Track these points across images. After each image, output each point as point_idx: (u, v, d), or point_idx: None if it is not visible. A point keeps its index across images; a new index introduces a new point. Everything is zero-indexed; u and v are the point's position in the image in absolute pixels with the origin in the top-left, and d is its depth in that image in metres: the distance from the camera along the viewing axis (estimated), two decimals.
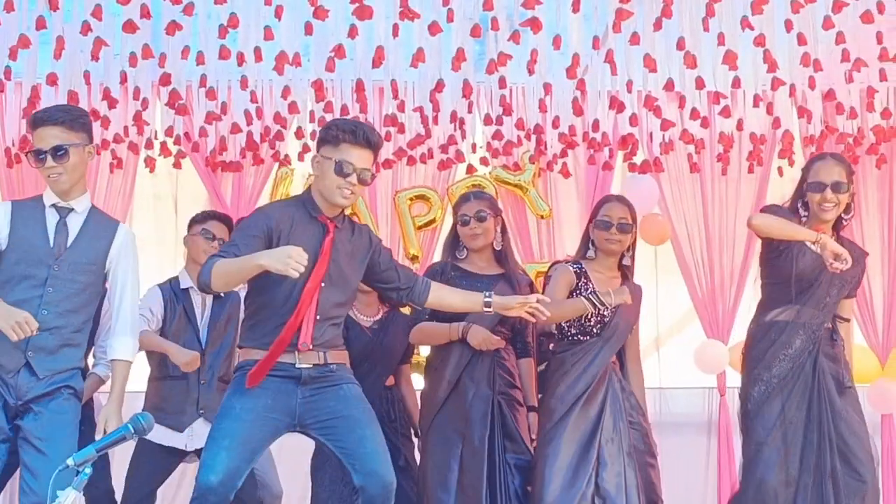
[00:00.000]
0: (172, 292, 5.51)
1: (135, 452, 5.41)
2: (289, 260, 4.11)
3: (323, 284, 4.42)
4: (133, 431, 3.82)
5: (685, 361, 7.23)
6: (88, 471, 3.64)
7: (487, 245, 5.37)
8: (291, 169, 7.13)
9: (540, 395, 5.38)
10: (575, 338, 5.22)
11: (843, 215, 5.07)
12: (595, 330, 5.20)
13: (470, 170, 7.14)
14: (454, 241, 5.42)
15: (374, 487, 4.40)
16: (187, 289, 5.51)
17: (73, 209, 4.48)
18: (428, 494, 5.16)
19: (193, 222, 5.64)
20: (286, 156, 7.04)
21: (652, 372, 6.58)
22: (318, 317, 4.42)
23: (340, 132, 4.47)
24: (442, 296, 4.73)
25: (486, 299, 4.64)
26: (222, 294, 5.45)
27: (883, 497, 5.86)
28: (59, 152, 4.41)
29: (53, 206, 4.46)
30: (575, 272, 5.25)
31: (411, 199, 7.15)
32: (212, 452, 4.35)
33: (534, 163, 7.11)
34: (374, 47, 6.35)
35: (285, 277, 4.19)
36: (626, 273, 5.35)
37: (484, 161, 7.16)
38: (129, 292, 4.56)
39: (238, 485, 4.37)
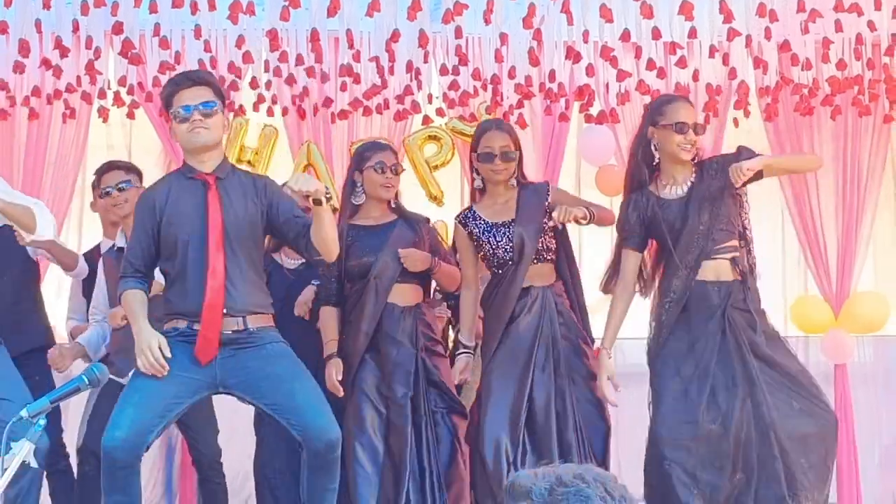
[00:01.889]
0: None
1: (98, 395, 5.42)
2: (148, 365, 4.33)
3: (226, 239, 4.41)
4: (87, 382, 3.78)
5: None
6: (43, 422, 3.61)
7: (388, 198, 5.32)
8: (246, 119, 7.07)
9: None
10: (495, 273, 5.25)
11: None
12: (506, 257, 5.20)
13: (426, 120, 7.10)
14: (352, 187, 5.36)
15: (314, 440, 4.39)
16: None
17: None
18: (348, 449, 5.09)
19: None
20: (241, 106, 6.97)
21: (636, 322, 6.60)
22: (228, 276, 4.39)
23: (168, 88, 4.54)
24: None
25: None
26: None
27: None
28: None
29: None
30: (460, 222, 5.33)
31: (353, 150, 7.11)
32: (119, 408, 4.37)
33: (490, 113, 7.06)
34: None
35: (187, 245, 4.37)
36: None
37: (440, 112, 7.11)
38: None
39: (149, 440, 4.37)
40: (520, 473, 2.12)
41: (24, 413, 3.60)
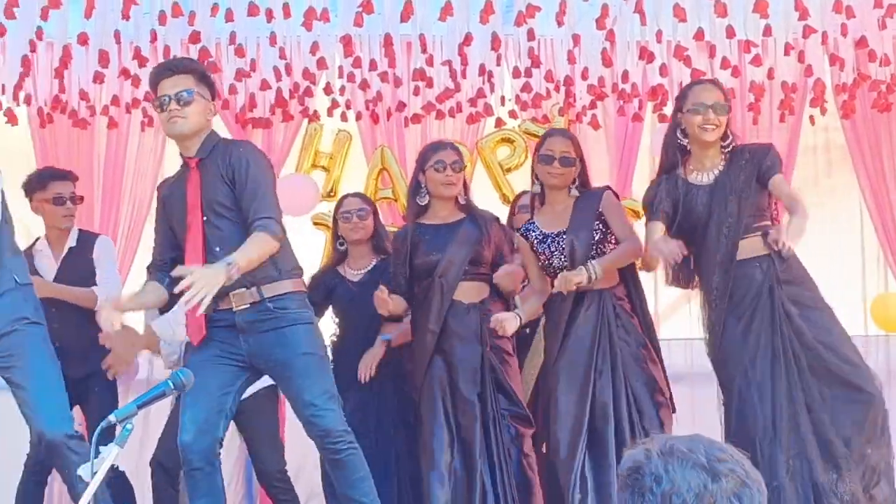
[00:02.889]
0: None
1: (173, 408, 5.48)
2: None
3: (205, 219, 4.43)
4: (173, 387, 3.83)
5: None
6: (130, 426, 3.67)
7: (453, 196, 5.31)
8: (320, 125, 7.14)
9: None
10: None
11: (722, 143, 5.00)
12: (561, 263, 5.16)
13: (499, 123, 7.12)
14: (417, 188, 5.37)
15: (318, 437, 4.47)
16: None
17: None
18: (426, 453, 5.16)
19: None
20: (315, 112, 7.04)
21: (683, 323, 6.58)
22: (217, 250, 4.38)
23: (151, 77, 4.57)
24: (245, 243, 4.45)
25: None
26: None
27: None
28: None
29: None
30: (522, 235, 5.29)
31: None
32: (181, 416, 4.44)
33: (563, 115, 7.09)
34: (402, 2, 6.34)
35: (184, 231, 4.45)
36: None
37: (513, 114, 7.13)
38: None
39: (218, 435, 4.44)
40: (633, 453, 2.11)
41: (111, 418, 3.65)
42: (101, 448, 3.60)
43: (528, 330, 5.59)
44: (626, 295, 5.24)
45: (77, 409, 5.59)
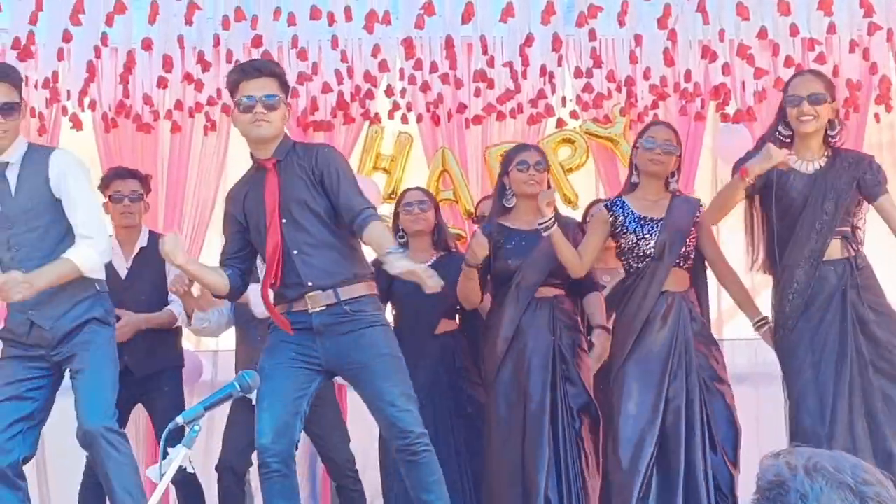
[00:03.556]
0: None
1: (231, 410, 5.50)
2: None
3: (284, 221, 4.44)
4: (239, 389, 3.86)
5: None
6: (198, 428, 3.70)
7: (536, 195, 5.29)
8: (382, 127, 7.17)
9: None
10: (633, 267, 5.19)
11: (829, 132, 4.98)
12: (649, 252, 5.14)
13: (560, 124, 7.12)
14: (502, 190, 5.39)
15: (395, 438, 4.47)
16: None
17: (8, 162, 4.51)
18: (493, 451, 5.17)
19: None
20: (376, 114, 7.07)
21: (746, 323, 6.53)
22: (294, 253, 4.42)
23: (233, 75, 4.56)
24: (372, 235, 4.46)
25: (389, 253, 4.39)
26: None
27: None
28: (7, 109, 4.47)
29: None
30: (606, 206, 5.26)
31: (502, 155, 7.09)
32: (258, 418, 4.45)
33: (624, 115, 7.07)
34: (463, 3, 6.34)
35: (260, 231, 4.46)
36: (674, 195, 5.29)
37: (574, 115, 7.13)
38: (83, 206, 4.55)
39: (295, 438, 4.46)
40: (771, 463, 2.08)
41: (179, 419, 3.69)
42: (169, 449, 3.65)
43: None
44: (697, 298, 5.25)
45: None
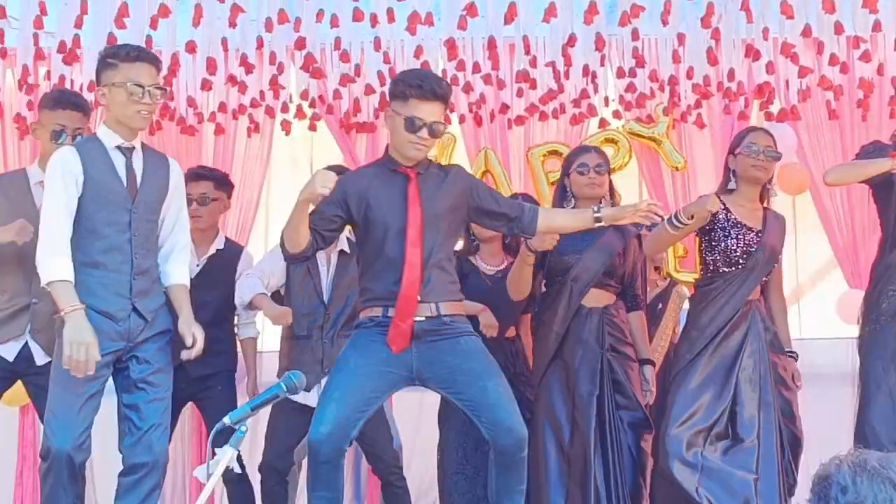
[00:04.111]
0: None
1: (272, 411, 5.50)
2: (315, 182, 4.25)
3: (423, 231, 4.46)
4: (286, 390, 3.87)
5: (826, 312, 7.12)
6: (245, 428, 3.72)
7: (598, 197, 5.32)
8: None
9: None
10: (720, 270, 5.19)
11: None
12: (741, 260, 5.17)
13: (602, 124, 7.10)
14: (563, 192, 5.39)
15: (502, 438, 4.39)
16: None
17: (134, 148, 4.52)
18: (537, 451, 5.16)
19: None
20: None
21: (792, 323, 6.49)
22: (423, 265, 4.43)
23: (407, 87, 4.45)
24: (551, 219, 4.70)
25: (596, 214, 4.61)
26: (348, 251, 5.53)
27: None
28: (159, 90, 4.49)
29: (118, 147, 4.49)
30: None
31: (544, 155, 7.13)
32: (322, 406, 4.41)
33: (667, 115, 7.04)
34: (506, 4, 6.35)
35: (386, 233, 4.39)
36: (765, 204, 5.32)
37: (617, 114, 7.10)
38: (183, 224, 4.65)
39: (352, 435, 4.42)
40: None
41: (226, 420, 3.71)
42: (217, 450, 3.67)
43: (660, 306, 5.58)
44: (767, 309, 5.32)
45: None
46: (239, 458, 3.80)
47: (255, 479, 5.64)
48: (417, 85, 4.45)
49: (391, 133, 4.54)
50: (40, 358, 4.94)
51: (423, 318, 4.46)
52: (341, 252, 5.54)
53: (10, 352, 4.94)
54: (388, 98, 4.59)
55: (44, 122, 5.01)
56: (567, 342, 5.20)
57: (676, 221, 5.00)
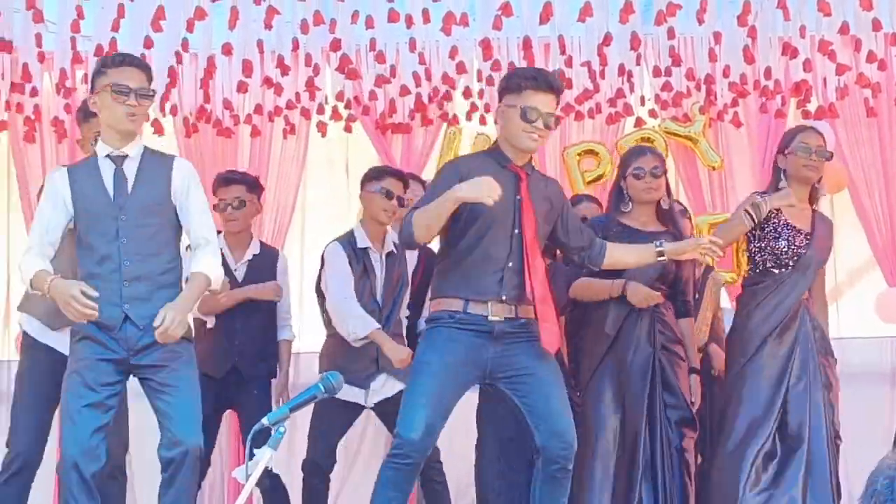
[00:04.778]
0: (352, 250, 5.53)
1: (316, 409, 5.50)
2: (482, 187, 4.23)
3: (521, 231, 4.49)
4: (324, 390, 3.87)
5: (865, 311, 7.07)
6: (283, 429, 3.72)
7: (654, 201, 5.32)
8: (459, 129, 7.16)
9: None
10: (769, 270, 5.17)
11: None
12: (790, 262, 5.15)
13: (639, 123, 7.08)
14: (619, 194, 5.38)
15: (556, 448, 4.45)
16: (366, 248, 5.54)
17: (126, 156, 4.51)
18: (588, 450, 5.14)
19: (369, 179, 5.63)
20: (454, 116, 7.08)
21: (831, 322, 6.46)
22: (531, 269, 4.48)
23: (523, 79, 4.53)
24: (617, 256, 4.77)
25: (658, 248, 4.67)
26: (395, 251, 5.53)
27: None
28: (143, 94, 4.47)
29: (108, 156, 4.50)
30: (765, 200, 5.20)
31: (580, 155, 7.12)
32: (412, 410, 4.44)
33: (704, 113, 7.01)
34: (541, 3, 6.33)
35: (490, 228, 4.37)
36: (813, 205, 5.31)
37: (653, 113, 7.08)
38: (200, 216, 4.57)
39: (435, 440, 4.48)
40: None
41: (265, 421, 3.72)
42: (255, 451, 3.68)
43: (696, 296, 5.63)
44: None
45: None
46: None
47: (294, 475, 5.65)
48: (533, 77, 4.54)
49: (504, 127, 4.57)
50: None
51: (503, 320, 4.50)
52: (389, 253, 5.55)
53: (66, 345, 4.93)
54: (499, 94, 4.63)
55: (85, 135, 5.07)
56: (619, 342, 5.20)
57: (754, 213, 4.99)
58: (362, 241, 5.55)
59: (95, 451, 4.41)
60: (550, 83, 4.53)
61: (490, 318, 4.48)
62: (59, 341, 4.92)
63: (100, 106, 4.50)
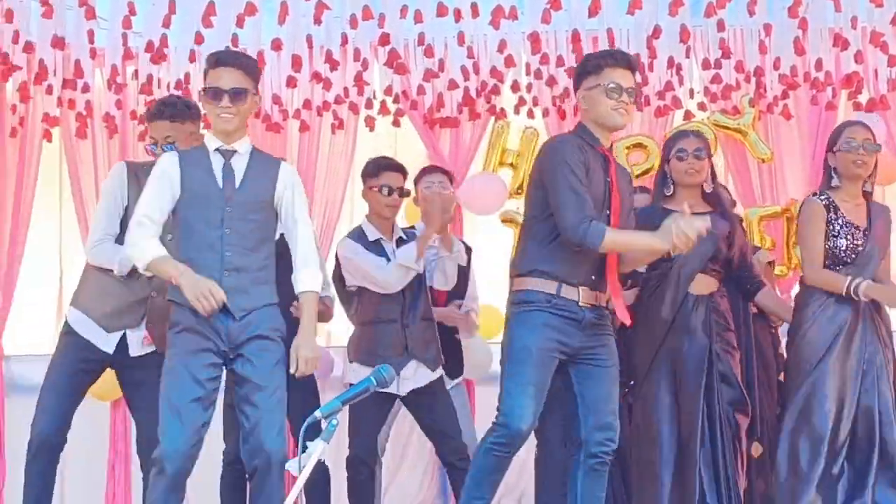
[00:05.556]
0: (365, 244, 5.49)
1: (350, 405, 5.48)
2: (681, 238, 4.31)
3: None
4: (376, 383, 3.88)
5: None
6: (336, 422, 3.74)
7: (697, 184, 5.29)
8: (507, 122, 7.16)
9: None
10: (830, 268, 5.13)
11: None
12: (848, 259, 5.11)
13: (687, 116, 7.05)
14: (663, 179, 5.34)
15: (598, 442, 4.48)
16: (378, 239, 5.52)
17: (236, 151, 4.54)
18: (649, 441, 5.13)
19: (368, 175, 5.62)
20: (502, 109, 7.08)
21: None
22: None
23: (600, 59, 4.61)
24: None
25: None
26: (404, 237, 5.56)
27: None
28: (237, 94, 4.49)
29: (217, 150, 4.53)
30: (824, 204, 5.16)
31: (628, 148, 7.10)
32: (519, 399, 4.42)
33: (754, 106, 6.97)
34: None
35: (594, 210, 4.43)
36: (868, 198, 5.25)
37: (702, 106, 7.06)
38: (303, 226, 4.60)
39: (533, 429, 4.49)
40: None
41: (317, 414, 3.74)
42: (308, 443, 3.69)
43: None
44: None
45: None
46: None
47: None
48: (609, 54, 4.71)
49: (589, 109, 4.57)
50: (135, 349, 5.02)
51: (590, 306, 4.51)
52: (398, 240, 5.56)
53: (110, 343, 5.00)
54: (576, 81, 4.64)
55: (152, 136, 5.14)
56: (674, 331, 5.15)
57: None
58: (373, 234, 5.55)
59: (195, 448, 4.41)
60: (627, 59, 4.62)
61: (580, 303, 4.47)
62: (100, 337, 4.98)
63: (203, 105, 4.59)
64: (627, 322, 4.56)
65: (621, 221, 4.54)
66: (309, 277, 4.57)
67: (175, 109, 5.06)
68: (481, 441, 4.53)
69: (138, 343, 5.02)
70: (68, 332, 5.04)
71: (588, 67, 4.60)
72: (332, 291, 5.60)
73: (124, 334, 5.01)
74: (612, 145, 4.67)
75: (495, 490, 4.54)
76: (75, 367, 5.00)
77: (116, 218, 4.99)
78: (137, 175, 5.00)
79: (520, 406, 4.39)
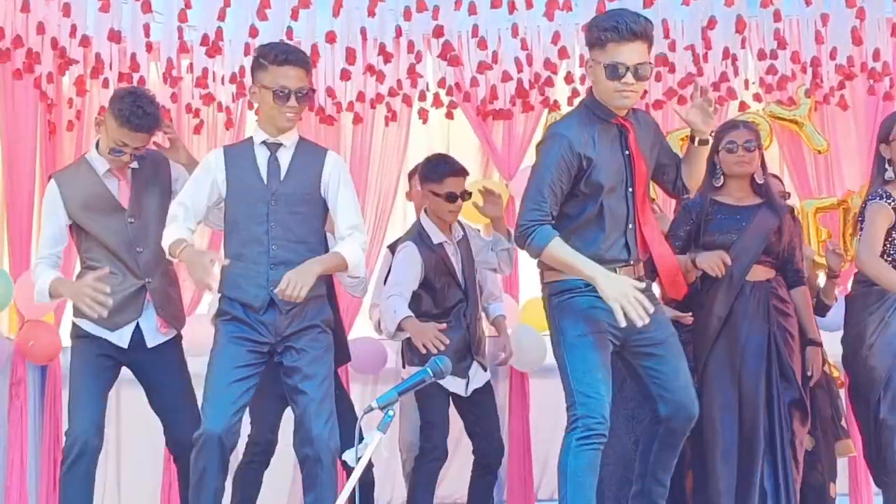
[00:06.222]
0: (429, 249, 5.50)
1: (426, 401, 5.48)
2: (624, 297, 4.08)
3: (631, 190, 4.37)
4: (432, 375, 3.89)
5: None
6: (392, 413, 3.75)
7: (747, 175, 5.24)
8: (561, 114, 7.13)
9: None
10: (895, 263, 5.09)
11: None
12: None
13: (742, 107, 7.01)
14: (713, 170, 5.26)
15: (680, 420, 4.43)
16: (441, 243, 5.52)
17: (281, 144, 4.58)
18: (712, 434, 5.09)
19: (430, 180, 5.55)
20: (555, 101, 7.06)
21: None
22: (635, 225, 4.38)
23: (602, 31, 4.22)
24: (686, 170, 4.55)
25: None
26: (462, 231, 5.57)
27: None
28: (305, 95, 4.54)
29: (263, 143, 4.57)
30: (894, 208, 5.10)
31: (683, 140, 7.04)
32: (591, 387, 4.30)
33: (810, 97, 6.92)
34: None
35: (612, 191, 4.26)
36: None
37: (757, 97, 7.02)
38: (352, 208, 4.61)
39: None
40: None
41: (374, 404, 3.75)
42: (365, 434, 3.71)
43: None
44: None
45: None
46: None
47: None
48: (613, 27, 4.19)
49: (594, 84, 4.33)
50: (151, 339, 4.96)
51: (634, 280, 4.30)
52: (459, 240, 5.57)
53: (122, 338, 4.94)
54: (585, 49, 4.36)
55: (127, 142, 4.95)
56: (732, 319, 5.12)
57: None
58: (437, 236, 5.52)
59: (236, 427, 4.48)
60: (633, 29, 4.15)
61: None
62: (111, 335, 4.95)
63: (258, 99, 4.60)
64: (677, 297, 4.49)
65: (646, 191, 4.40)
66: (349, 244, 4.56)
67: (156, 123, 4.93)
68: (563, 447, 4.34)
69: (154, 332, 4.96)
70: (79, 334, 4.98)
71: (591, 39, 4.27)
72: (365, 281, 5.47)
73: (136, 328, 4.94)
74: (630, 112, 4.36)
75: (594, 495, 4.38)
76: (97, 366, 4.93)
77: (59, 236, 4.97)
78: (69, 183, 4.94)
79: (595, 392, 4.27)
